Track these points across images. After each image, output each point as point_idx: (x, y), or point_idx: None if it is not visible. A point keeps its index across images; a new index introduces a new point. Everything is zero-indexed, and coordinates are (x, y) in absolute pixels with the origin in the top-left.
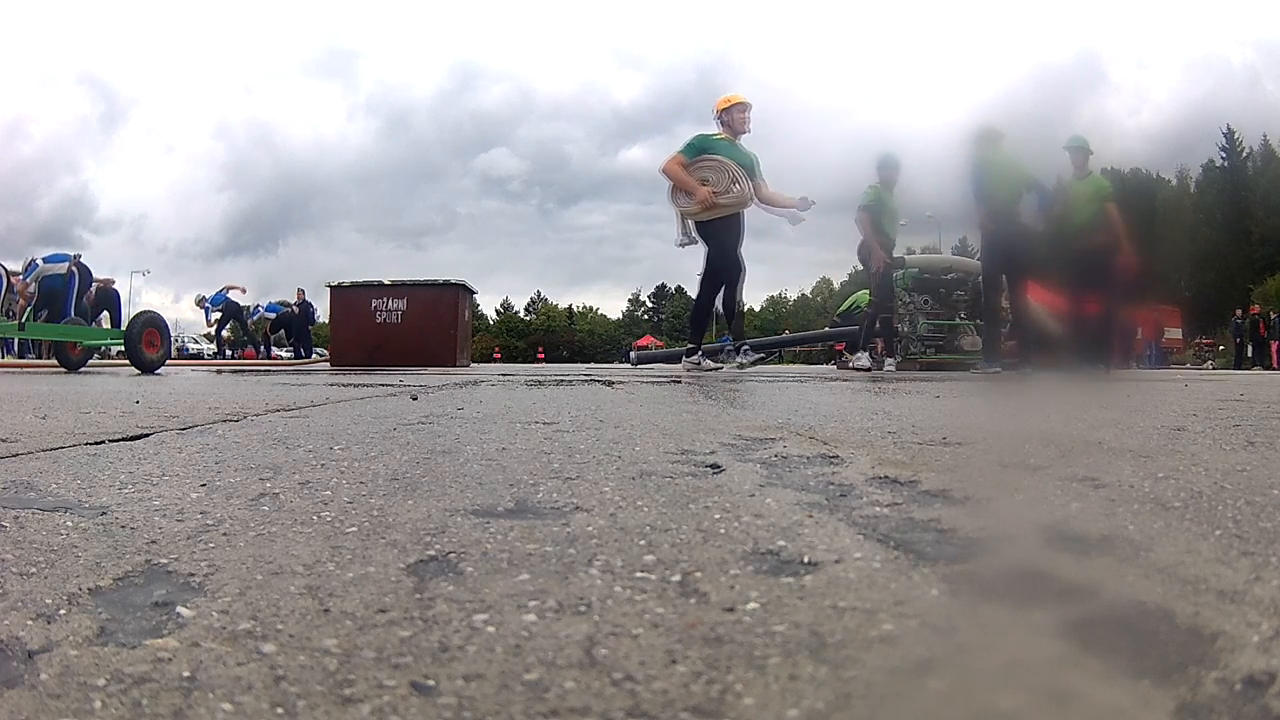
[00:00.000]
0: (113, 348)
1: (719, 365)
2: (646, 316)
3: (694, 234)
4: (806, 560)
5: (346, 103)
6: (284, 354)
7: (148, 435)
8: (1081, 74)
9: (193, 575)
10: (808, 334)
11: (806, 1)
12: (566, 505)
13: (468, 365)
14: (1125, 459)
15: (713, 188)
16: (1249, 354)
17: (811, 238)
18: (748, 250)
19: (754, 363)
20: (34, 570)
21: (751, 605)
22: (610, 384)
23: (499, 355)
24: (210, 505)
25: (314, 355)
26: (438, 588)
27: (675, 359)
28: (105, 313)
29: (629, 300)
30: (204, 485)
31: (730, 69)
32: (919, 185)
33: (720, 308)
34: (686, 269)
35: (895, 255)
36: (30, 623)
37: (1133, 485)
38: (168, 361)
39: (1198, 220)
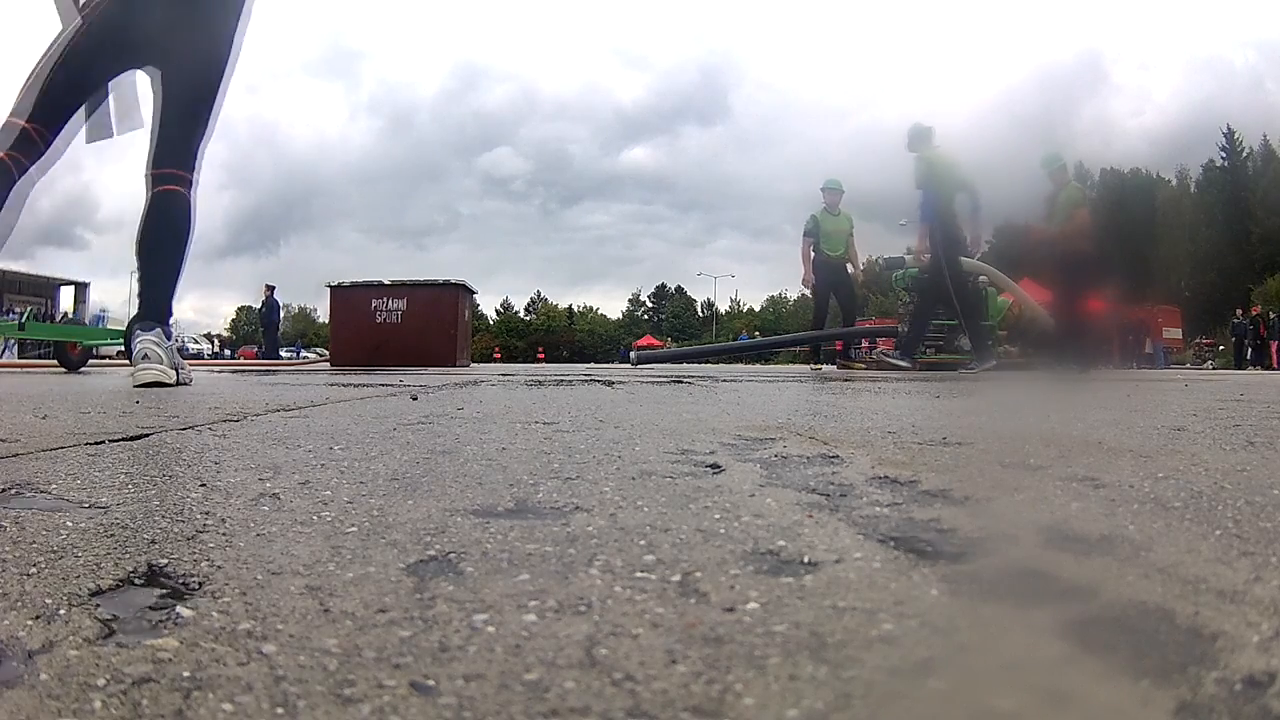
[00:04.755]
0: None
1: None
2: (646, 316)
3: None
4: (806, 560)
5: (349, 102)
6: (283, 354)
7: (148, 435)
8: (1084, 75)
9: (193, 575)
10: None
11: (810, 2)
12: (566, 505)
13: (468, 365)
14: (1125, 459)
15: None
16: (1249, 354)
17: None
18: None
19: None
20: (34, 570)
21: (751, 605)
22: (610, 384)
23: (499, 355)
24: (210, 505)
25: (276, 356)
26: (438, 588)
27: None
28: None
29: (629, 300)
30: (204, 485)
31: (734, 69)
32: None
33: None
34: (687, 269)
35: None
36: (30, 623)
37: (1133, 485)
38: None
39: (1198, 220)
